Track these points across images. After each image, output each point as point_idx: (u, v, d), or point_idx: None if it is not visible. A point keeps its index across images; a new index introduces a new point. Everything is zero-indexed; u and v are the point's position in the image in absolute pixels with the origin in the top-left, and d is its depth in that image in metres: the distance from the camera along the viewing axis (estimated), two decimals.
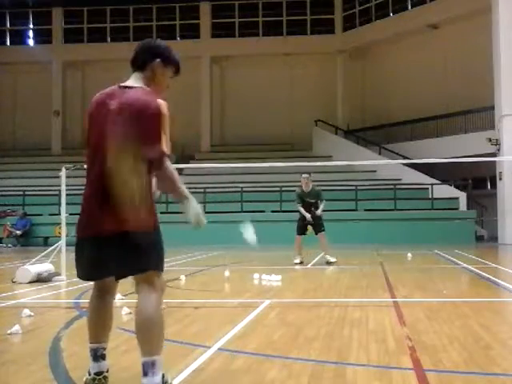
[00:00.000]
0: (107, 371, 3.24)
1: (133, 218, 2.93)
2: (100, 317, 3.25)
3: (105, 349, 3.25)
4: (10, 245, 22.37)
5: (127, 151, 2.93)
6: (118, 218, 2.94)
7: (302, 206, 12.05)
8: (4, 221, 23.62)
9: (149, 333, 2.99)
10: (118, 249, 2.99)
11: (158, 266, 3.08)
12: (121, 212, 2.93)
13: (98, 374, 3.19)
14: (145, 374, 2.97)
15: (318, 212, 11.96)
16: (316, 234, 12.09)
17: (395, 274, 9.86)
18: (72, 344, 4.49)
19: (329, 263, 11.69)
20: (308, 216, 11.96)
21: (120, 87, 3.18)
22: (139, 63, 3.26)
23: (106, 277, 3.18)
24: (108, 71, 32.23)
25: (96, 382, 3.17)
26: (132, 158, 2.93)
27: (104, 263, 3.07)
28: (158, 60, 3.28)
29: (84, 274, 3.21)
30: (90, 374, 3.20)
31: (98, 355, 3.21)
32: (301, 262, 11.94)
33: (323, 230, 12.02)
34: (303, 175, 12.12)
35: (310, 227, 12.18)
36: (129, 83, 3.21)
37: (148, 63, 3.26)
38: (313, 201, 12.06)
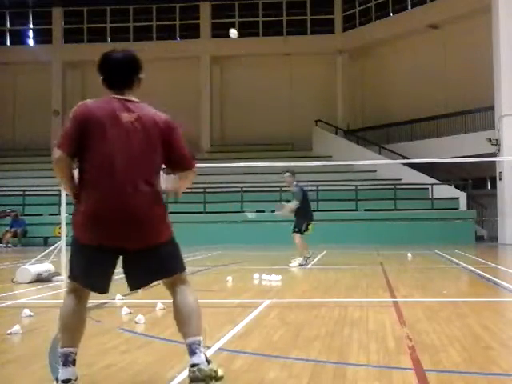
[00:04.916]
0: (76, 379, 3.07)
1: (163, 231, 3.21)
2: (80, 320, 3.18)
3: (76, 354, 3.13)
4: (9, 245, 22.36)
5: (157, 167, 3.19)
6: (149, 233, 3.14)
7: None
8: (4, 221, 23.64)
9: (193, 315, 3.22)
10: (149, 260, 3.17)
11: (184, 265, 3.33)
12: (152, 226, 3.14)
13: (66, 381, 3.03)
14: (193, 353, 3.13)
15: (276, 213, 11.77)
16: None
17: (395, 274, 9.86)
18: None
19: (294, 266, 11.23)
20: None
21: (121, 100, 3.18)
22: (126, 83, 3.24)
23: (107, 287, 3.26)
24: None
25: None
26: (159, 172, 3.21)
27: (131, 275, 3.23)
28: (141, 75, 3.31)
29: (100, 287, 3.21)
30: (57, 382, 3.05)
31: (69, 360, 3.08)
32: (308, 257, 11.68)
33: (295, 232, 11.45)
34: (284, 174, 11.59)
35: (310, 227, 11.85)
36: (129, 97, 3.23)
37: (135, 80, 3.28)
38: (290, 200, 11.66)
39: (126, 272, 3.21)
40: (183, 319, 3.21)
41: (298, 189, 11.56)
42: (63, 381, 3.04)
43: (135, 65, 3.27)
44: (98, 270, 3.15)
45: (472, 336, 4.57)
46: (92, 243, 3.10)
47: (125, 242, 3.10)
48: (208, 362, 3.12)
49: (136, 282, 3.26)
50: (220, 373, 3.12)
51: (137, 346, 4.36)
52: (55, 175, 3.15)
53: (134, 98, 3.24)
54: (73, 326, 3.16)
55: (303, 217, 11.58)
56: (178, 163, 3.28)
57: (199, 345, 3.15)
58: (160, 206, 3.19)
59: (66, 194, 10.23)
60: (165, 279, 3.26)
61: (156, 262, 3.18)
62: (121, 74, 3.22)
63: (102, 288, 3.22)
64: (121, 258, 3.19)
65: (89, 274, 3.15)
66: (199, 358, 3.10)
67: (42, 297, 7.35)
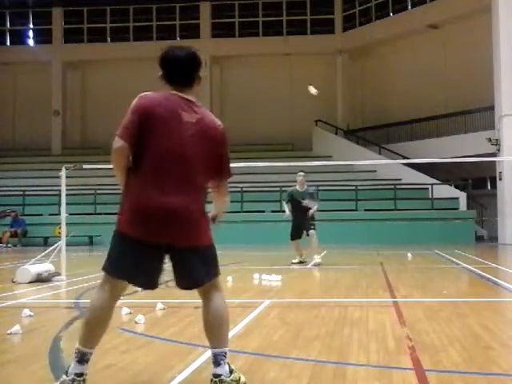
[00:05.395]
0: (86, 374, 3.10)
1: (206, 233, 3.23)
2: (107, 320, 3.16)
3: (92, 354, 3.13)
4: (9, 245, 22.37)
5: (207, 172, 3.22)
6: (193, 233, 3.15)
7: (296, 206, 11.59)
8: (4, 221, 23.64)
9: (223, 327, 3.23)
10: (193, 260, 3.16)
11: (219, 271, 3.32)
12: (196, 227, 3.16)
13: (79, 375, 3.05)
14: (218, 363, 3.14)
15: (310, 212, 11.47)
16: (307, 234, 11.62)
17: (395, 273, 9.86)
18: (72, 344, 4.46)
19: (315, 264, 11.23)
20: (287, 214, 11.63)
21: (182, 98, 3.18)
22: (187, 80, 3.23)
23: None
24: (108, 71, 32.32)
25: (75, 382, 3.04)
26: (207, 176, 3.24)
27: (178, 274, 3.22)
28: (201, 74, 3.33)
29: (147, 281, 3.19)
30: (67, 375, 3.06)
31: (84, 359, 3.09)
32: (301, 262, 11.76)
33: (313, 229, 11.57)
34: (299, 173, 11.76)
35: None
36: (190, 97, 3.22)
37: (196, 78, 3.28)
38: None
39: (174, 271, 3.21)
40: (212, 329, 3.21)
41: (315, 188, 11.86)
42: (77, 374, 3.05)
43: (196, 62, 3.25)
44: (145, 265, 3.12)
45: (472, 336, 4.57)
46: (138, 237, 3.07)
47: (171, 239, 3.09)
48: (231, 372, 3.14)
49: (182, 281, 3.23)
50: (242, 379, 3.17)
51: (137, 346, 4.36)
52: (112, 165, 3.13)
53: (195, 100, 3.24)
54: (102, 325, 3.14)
55: (314, 216, 11.73)
56: (220, 171, 3.29)
57: (225, 356, 3.16)
58: (204, 208, 3.22)
59: (67, 194, 10.18)
60: (206, 284, 3.21)
61: (199, 264, 3.17)
62: (182, 70, 3.21)
63: (150, 283, 3.20)
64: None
65: (134, 268, 3.10)
66: (222, 369, 3.13)
67: (42, 297, 7.35)
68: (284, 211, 12.00)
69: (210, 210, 3.42)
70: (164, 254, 3.16)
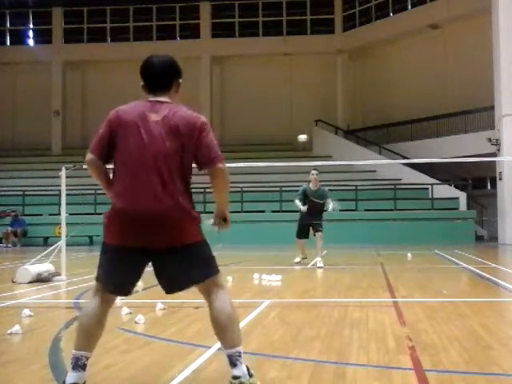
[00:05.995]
0: None
1: (190, 231, 3.11)
2: (100, 324, 3.13)
3: (87, 359, 3.07)
4: (9, 245, 22.37)
5: (184, 166, 3.13)
6: (173, 233, 3.07)
7: (307, 205, 11.32)
8: (4, 221, 23.64)
9: (232, 326, 3.15)
10: (176, 262, 3.10)
11: (218, 268, 3.24)
12: (185, 225, 3.09)
13: None
14: (234, 364, 3.09)
15: (330, 208, 11.20)
16: (314, 234, 11.49)
17: (395, 273, 9.86)
18: (72, 344, 4.48)
19: (319, 267, 11.02)
20: (303, 208, 11.27)
21: (151, 102, 3.19)
22: (163, 86, 3.24)
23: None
24: (108, 71, 32.32)
25: None
26: (187, 171, 3.16)
27: (163, 279, 3.17)
28: (180, 80, 3.32)
29: (118, 284, 3.16)
30: None
31: (78, 364, 3.02)
32: (303, 258, 11.64)
33: (321, 231, 11.41)
34: (313, 171, 11.37)
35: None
36: (162, 99, 3.21)
37: (173, 84, 3.28)
38: (319, 201, 11.33)
39: (157, 275, 3.17)
40: (220, 329, 3.15)
41: (326, 189, 11.62)
42: None
43: (173, 69, 3.27)
44: (120, 270, 3.11)
45: (472, 336, 4.57)
46: (115, 243, 3.09)
47: (148, 241, 3.05)
48: (250, 375, 3.09)
49: (168, 285, 3.19)
50: None
51: (137, 346, 4.36)
52: (90, 175, 3.23)
53: (165, 99, 3.21)
54: (89, 328, 3.11)
55: (322, 217, 11.57)
56: (203, 157, 3.15)
57: (240, 356, 3.09)
58: (186, 205, 3.11)
59: (67, 194, 10.20)
60: (199, 284, 3.17)
61: (185, 264, 3.10)
62: (157, 77, 3.23)
63: (122, 290, 3.19)
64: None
65: (110, 274, 3.13)
66: (241, 371, 3.06)
67: (42, 297, 7.35)
68: (299, 213, 11.61)
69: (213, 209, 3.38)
70: (142, 260, 3.12)
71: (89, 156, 3.17)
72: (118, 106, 3.24)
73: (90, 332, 3.11)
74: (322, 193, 11.42)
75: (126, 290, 3.21)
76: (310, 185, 11.50)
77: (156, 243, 3.06)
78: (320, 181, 11.66)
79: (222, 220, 3.37)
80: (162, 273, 3.15)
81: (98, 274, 3.18)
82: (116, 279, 3.13)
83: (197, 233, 3.16)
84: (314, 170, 11.52)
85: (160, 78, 3.23)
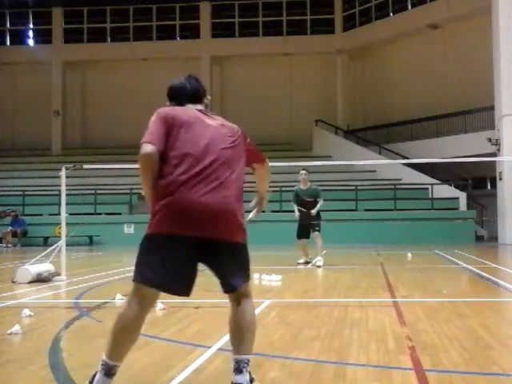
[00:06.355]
0: None
1: (240, 230, 3.12)
2: (138, 331, 3.04)
3: (119, 367, 3.02)
4: (9, 245, 22.36)
5: (242, 168, 3.28)
6: (227, 228, 3.05)
7: (300, 205, 11.53)
8: (4, 221, 23.65)
9: (252, 334, 3.22)
10: (227, 256, 3.09)
11: (250, 275, 3.28)
12: (230, 222, 3.07)
13: None
14: (239, 371, 3.07)
15: (313, 211, 11.38)
16: (312, 233, 11.56)
17: (395, 273, 9.86)
18: (72, 344, 4.49)
19: (318, 266, 11.08)
20: (297, 214, 11.47)
21: (197, 109, 3.30)
22: (199, 97, 3.44)
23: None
24: (108, 71, 32.32)
25: None
26: (242, 173, 3.27)
27: (223, 270, 3.14)
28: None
29: (178, 285, 3.06)
30: None
31: (111, 373, 2.98)
32: (307, 262, 11.67)
33: (318, 231, 11.50)
34: (301, 171, 11.60)
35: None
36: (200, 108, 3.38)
37: (203, 98, 3.48)
38: (310, 199, 11.48)
39: (216, 272, 3.14)
40: (240, 335, 3.17)
41: (318, 187, 11.74)
42: None
43: (202, 88, 3.49)
44: (175, 266, 2.98)
45: (472, 336, 4.57)
46: (171, 233, 2.96)
47: (205, 232, 2.98)
48: (251, 381, 3.11)
49: (226, 280, 3.14)
50: None
51: (137, 346, 4.32)
52: (139, 172, 3.07)
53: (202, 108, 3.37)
54: (132, 337, 3.02)
55: (320, 216, 11.67)
56: (253, 157, 3.42)
57: (247, 364, 3.11)
58: (240, 205, 3.14)
59: (67, 194, 10.14)
60: (240, 288, 3.14)
61: (235, 260, 3.11)
62: (192, 96, 3.41)
63: (182, 287, 3.07)
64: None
65: (164, 271, 2.97)
66: (244, 379, 3.06)
67: (42, 297, 7.35)
68: (294, 211, 11.72)
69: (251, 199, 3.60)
70: (198, 255, 3.03)
71: (149, 147, 3.01)
72: (158, 109, 3.23)
73: (133, 339, 3.04)
74: (312, 192, 11.58)
75: (182, 286, 3.06)
76: (300, 185, 11.70)
77: (216, 235, 3.01)
78: (320, 181, 11.72)
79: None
80: (215, 267, 3.13)
81: (140, 273, 3.00)
82: (168, 273, 2.97)
83: (244, 233, 3.17)
84: (303, 169, 11.69)
85: (196, 89, 3.44)
